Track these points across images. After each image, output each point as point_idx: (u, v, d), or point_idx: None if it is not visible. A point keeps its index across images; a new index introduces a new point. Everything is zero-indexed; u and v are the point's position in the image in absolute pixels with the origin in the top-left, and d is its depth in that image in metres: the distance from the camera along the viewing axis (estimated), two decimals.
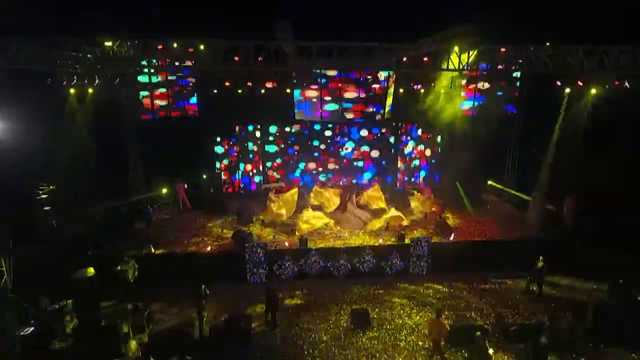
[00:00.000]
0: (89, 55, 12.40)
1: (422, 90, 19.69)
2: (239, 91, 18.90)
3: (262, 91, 19.13)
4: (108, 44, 11.55)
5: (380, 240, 15.33)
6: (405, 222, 16.12)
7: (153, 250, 14.58)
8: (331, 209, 17.60)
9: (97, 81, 15.48)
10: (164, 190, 19.17)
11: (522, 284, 14.14)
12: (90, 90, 15.47)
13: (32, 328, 10.67)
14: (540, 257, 13.46)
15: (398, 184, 21.01)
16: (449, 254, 15.05)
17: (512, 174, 20.78)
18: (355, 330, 12.01)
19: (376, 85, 14.74)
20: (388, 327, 12.20)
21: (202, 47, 13.36)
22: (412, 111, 20.20)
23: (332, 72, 13.98)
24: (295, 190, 17.31)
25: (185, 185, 19.02)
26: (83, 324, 10.40)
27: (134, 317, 11.83)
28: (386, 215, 16.01)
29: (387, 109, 15.50)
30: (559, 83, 17.12)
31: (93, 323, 10.30)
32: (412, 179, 20.61)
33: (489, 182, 20.88)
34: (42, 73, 12.04)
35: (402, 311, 12.99)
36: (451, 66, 13.46)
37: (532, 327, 10.83)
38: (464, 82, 16.72)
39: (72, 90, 14.33)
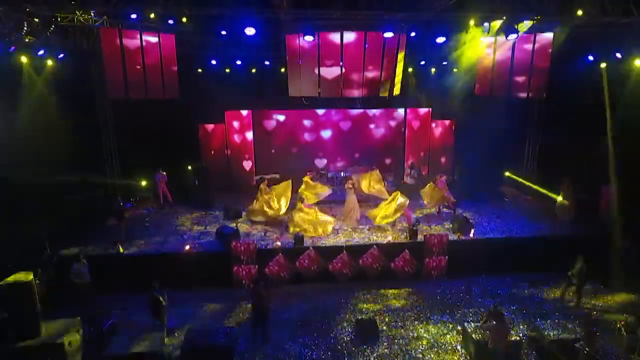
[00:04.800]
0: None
1: (434, 70, 17.65)
2: (227, 70, 16.85)
3: (253, 70, 17.11)
4: None
5: (389, 238, 13.20)
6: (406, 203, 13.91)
7: (122, 250, 12.44)
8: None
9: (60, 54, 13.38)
10: (143, 183, 17.05)
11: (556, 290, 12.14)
12: (49, 63, 13.29)
13: None
14: (579, 257, 11.32)
15: (404, 176, 18.68)
16: (469, 253, 12.99)
17: (531, 162, 18.67)
18: (362, 345, 9.94)
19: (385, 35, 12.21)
20: (400, 341, 10.13)
21: None
22: (421, 92, 18.26)
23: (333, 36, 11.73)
24: (288, 182, 15.12)
25: (167, 177, 16.86)
26: (18, 340, 8.22)
27: (91, 331, 9.79)
28: (393, 202, 13.74)
29: (397, 84, 13.33)
30: (591, 58, 14.98)
31: (30, 339, 8.15)
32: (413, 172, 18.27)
33: (507, 174, 18.75)
34: None
35: (416, 322, 10.91)
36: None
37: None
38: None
39: (24, 59, 12.13)
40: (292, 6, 9.48)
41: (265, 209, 14.60)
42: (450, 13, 11.15)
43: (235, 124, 18.35)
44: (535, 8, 11.22)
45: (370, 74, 13.29)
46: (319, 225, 13.46)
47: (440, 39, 13.30)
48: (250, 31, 10.53)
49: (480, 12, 11.56)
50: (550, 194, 16.30)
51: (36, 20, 9.70)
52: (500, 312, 8.78)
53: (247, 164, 18.56)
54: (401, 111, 18.86)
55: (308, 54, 12.11)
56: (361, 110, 18.76)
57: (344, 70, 12.55)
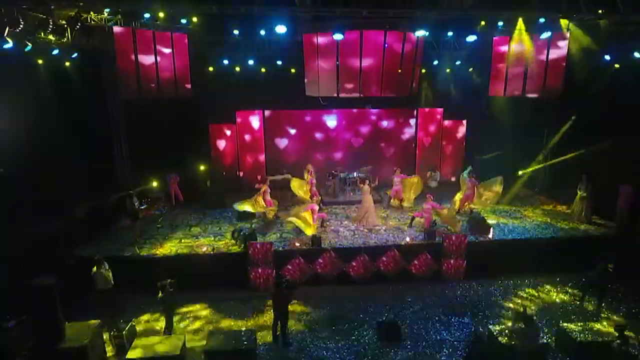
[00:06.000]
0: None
1: (448, 70, 17.53)
2: (237, 69, 16.68)
3: (263, 70, 16.95)
4: None
5: (407, 239, 13.05)
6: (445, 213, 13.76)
7: (138, 251, 12.28)
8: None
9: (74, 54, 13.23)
10: (155, 183, 16.86)
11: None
12: (67, 64, 13.19)
13: None
14: (602, 257, 11.13)
15: (427, 180, 18.33)
16: (488, 254, 12.87)
17: (545, 160, 18.47)
18: (384, 347, 9.79)
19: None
20: (424, 343, 9.98)
21: None
22: (434, 93, 18.14)
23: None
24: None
25: (178, 178, 16.68)
26: (42, 344, 8.07)
27: (111, 334, 9.63)
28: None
29: (414, 83, 13.13)
30: (607, 57, 14.83)
31: (54, 344, 7.99)
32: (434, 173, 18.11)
33: (520, 172, 18.60)
34: None
35: (438, 323, 10.78)
36: None
37: None
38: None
39: (39, 61, 12.01)
40: (321, 4, 9.28)
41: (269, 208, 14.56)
42: (476, 11, 11.02)
43: (247, 137, 18.30)
44: (558, 6, 11.08)
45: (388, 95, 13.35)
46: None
47: (471, 38, 13.16)
48: (281, 29, 10.35)
49: (504, 10, 11.42)
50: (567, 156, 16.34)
51: (50, 20, 9.51)
52: (530, 315, 8.64)
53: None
54: (413, 124, 18.93)
55: (326, 54, 11.93)
56: (373, 122, 18.80)
57: (362, 94, 12.51)
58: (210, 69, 16.95)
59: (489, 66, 15.31)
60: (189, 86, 14.60)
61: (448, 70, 17.81)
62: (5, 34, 8.16)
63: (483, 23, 13.18)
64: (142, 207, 13.94)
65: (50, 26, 9.07)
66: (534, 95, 15.20)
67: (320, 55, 12.09)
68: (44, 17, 8.99)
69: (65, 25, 9.97)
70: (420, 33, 11.60)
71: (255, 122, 18.23)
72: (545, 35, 12.21)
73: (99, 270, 10.35)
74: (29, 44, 10.10)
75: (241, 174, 18.36)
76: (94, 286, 10.35)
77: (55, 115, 13.46)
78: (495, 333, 9.34)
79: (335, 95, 12.30)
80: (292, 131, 18.62)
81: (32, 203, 12.92)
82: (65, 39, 11.57)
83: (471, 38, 13.16)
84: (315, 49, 12.06)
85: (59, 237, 12.37)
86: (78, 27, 9.85)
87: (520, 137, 18.00)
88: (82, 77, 14.13)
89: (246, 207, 14.31)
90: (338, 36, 10.83)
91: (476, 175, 15.42)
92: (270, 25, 11.60)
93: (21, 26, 8.30)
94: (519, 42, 13.28)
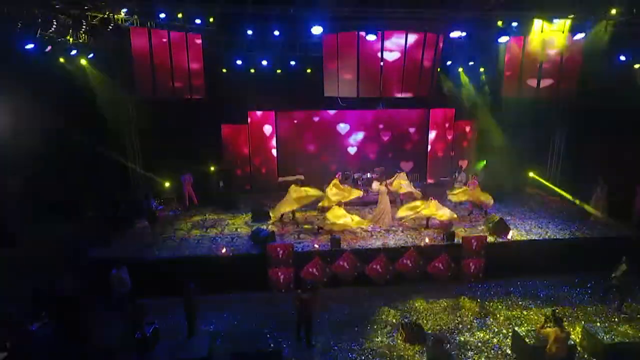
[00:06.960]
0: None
1: (461, 69, 17.48)
2: (252, 70, 16.60)
3: (278, 71, 16.86)
4: None
5: (427, 239, 13.00)
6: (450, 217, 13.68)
7: (156, 253, 12.21)
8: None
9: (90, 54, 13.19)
10: (167, 184, 16.80)
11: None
12: (83, 62, 13.12)
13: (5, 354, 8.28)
14: (624, 258, 11.16)
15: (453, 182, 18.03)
16: (506, 255, 12.84)
17: (556, 163, 18.45)
18: (409, 349, 9.74)
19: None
20: (449, 345, 9.93)
21: None
22: (448, 94, 18.08)
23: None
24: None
25: (192, 179, 16.59)
26: (67, 350, 8.00)
27: (134, 336, 9.55)
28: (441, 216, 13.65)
29: (433, 83, 13.05)
30: (623, 57, 14.81)
31: (79, 348, 7.92)
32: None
33: (531, 174, 18.59)
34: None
35: (461, 325, 10.74)
36: None
37: None
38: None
39: (61, 60, 11.94)
40: (357, 4, 9.22)
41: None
42: (510, 12, 11.00)
43: (259, 139, 18.25)
44: (575, 6, 11.06)
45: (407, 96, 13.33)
46: (353, 217, 13.38)
47: (504, 39, 13.12)
48: (317, 30, 10.25)
49: (525, 10, 11.40)
50: (570, 197, 16.40)
51: (71, 20, 9.43)
52: (560, 317, 8.60)
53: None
54: (425, 127, 19.08)
55: (346, 54, 11.84)
56: (384, 127, 18.95)
57: (382, 95, 12.51)
58: (224, 70, 16.84)
59: (502, 66, 15.30)
60: (202, 86, 14.51)
61: (461, 70, 17.76)
62: (37, 36, 8.08)
63: (500, 23, 13.17)
64: (159, 208, 13.83)
65: (84, 27, 9.00)
66: (548, 96, 15.18)
67: (340, 56, 12.00)
68: (70, 19, 8.90)
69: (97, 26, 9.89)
70: (456, 34, 11.57)
71: (267, 124, 18.20)
72: (579, 36, 12.19)
73: (117, 273, 10.26)
74: (50, 45, 10.03)
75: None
76: (113, 288, 10.28)
77: (69, 116, 13.36)
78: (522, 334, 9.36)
79: (355, 96, 12.21)
80: (305, 135, 18.60)
81: (47, 205, 12.89)
82: (82, 40, 11.54)
83: (503, 39, 13.08)
84: (335, 49, 11.97)
85: (76, 239, 12.28)
86: (111, 27, 9.77)
87: (529, 137, 17.92)
88: (96, 77, 14.05)
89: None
90: (371, 37, 10.77)
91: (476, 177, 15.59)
92: (283, 25, 11.52)
93: (53, 27, 8.21)
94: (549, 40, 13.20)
